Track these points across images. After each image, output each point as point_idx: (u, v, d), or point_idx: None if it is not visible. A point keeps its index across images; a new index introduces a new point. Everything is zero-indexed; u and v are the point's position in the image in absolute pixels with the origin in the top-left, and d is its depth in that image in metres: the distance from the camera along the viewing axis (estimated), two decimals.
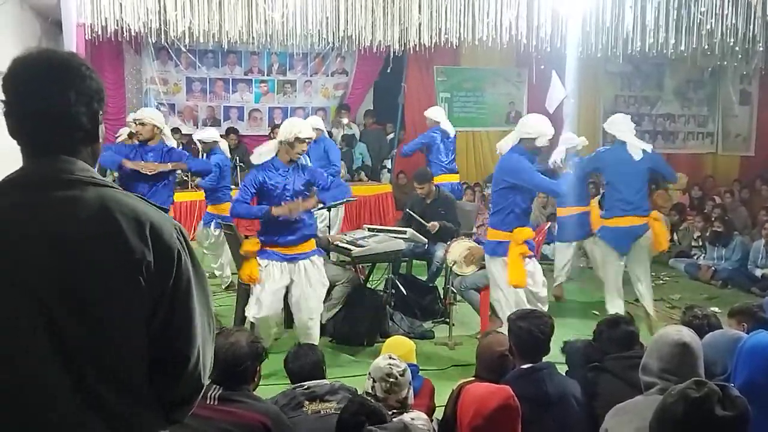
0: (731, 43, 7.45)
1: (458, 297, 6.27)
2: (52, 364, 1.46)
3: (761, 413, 2.16)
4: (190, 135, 9.60)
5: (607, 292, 6.29)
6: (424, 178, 6.90)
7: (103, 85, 1.63)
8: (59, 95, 1.53)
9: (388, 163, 11.12)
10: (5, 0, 6.93)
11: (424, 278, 6.87)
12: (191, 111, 11.14)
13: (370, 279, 6.66)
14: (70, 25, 6.58)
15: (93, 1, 6.80)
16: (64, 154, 1.55)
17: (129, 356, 1.53)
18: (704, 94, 12.33)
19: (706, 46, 7.85)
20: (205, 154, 7.65)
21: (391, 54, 8.86)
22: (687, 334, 2.60)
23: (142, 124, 5.88)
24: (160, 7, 7.00)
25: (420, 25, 7.66)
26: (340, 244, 6.09)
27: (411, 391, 3.21)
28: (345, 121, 10.92)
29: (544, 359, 3.38)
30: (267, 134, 10.43)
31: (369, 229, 6.52)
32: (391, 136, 11.16)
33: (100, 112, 1.61)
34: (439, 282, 6.80)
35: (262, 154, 5.07)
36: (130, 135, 5.87)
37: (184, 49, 10.06)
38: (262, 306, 5.01)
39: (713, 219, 9.03)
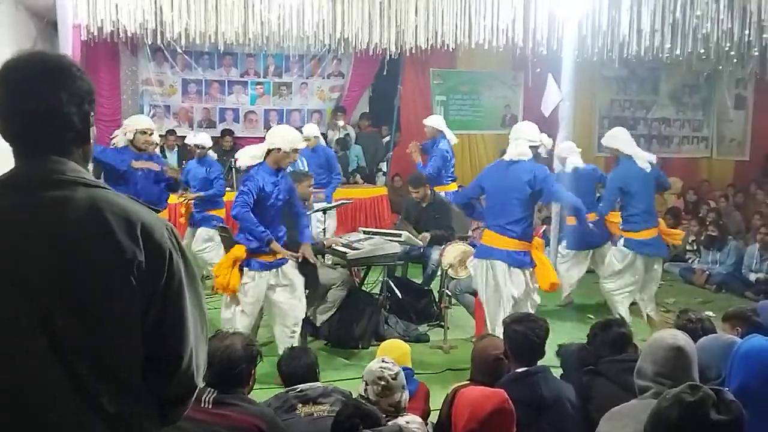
0: (727, 48, 7.45)
1: (453, 300, 6.26)
2: (52, 364, 1.46)
3: (756, 417, 2.15)
4: (184, 137, 9.60)
5: (645, 300, 6.44)
6: (418, 183, 6.88)
7: (94, 87, 1.63)
8: (50, 94, 1.53)
9: (384, 166, 11.09)
10: (1, 1, 6.91)
11: (420, 281, 6.86)
12: (187, 113, 11.10)
13: (366, 282, 6.66)
14: (65, 26, 6.54)
15: (89, 2, 6.79)
16: (54, 155, 1.54)
17: (128, 356, 1.53)
18: (699, 99, 12.33)
19: (702, 51, 7.86)
20: (198, 159, 7.73)
21: (387, 56, 8.84)
22: (681, 338, 2.61)
23: (150, 134, 6.10)
24: (156, 8, 7.00)
25: (416, 27, 7.68)
26: (336, 247, 6.09)
27: (405, 394, 3.20)
28: (341, 123, 10.90)
29: (539, 363, 3.38)
30: (262, 136, 10.38)
31: (364, 232, 6.52)
32: (387, 138, 11.14)
33: (91, 114, 1.61)
34: (435, 285, 6.79)
35: (252, 157, 5.08)
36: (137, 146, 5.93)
37: (180, 50, 10.01)
38: (247, 316, 5.11)
39: (708, 223, 9.05)
